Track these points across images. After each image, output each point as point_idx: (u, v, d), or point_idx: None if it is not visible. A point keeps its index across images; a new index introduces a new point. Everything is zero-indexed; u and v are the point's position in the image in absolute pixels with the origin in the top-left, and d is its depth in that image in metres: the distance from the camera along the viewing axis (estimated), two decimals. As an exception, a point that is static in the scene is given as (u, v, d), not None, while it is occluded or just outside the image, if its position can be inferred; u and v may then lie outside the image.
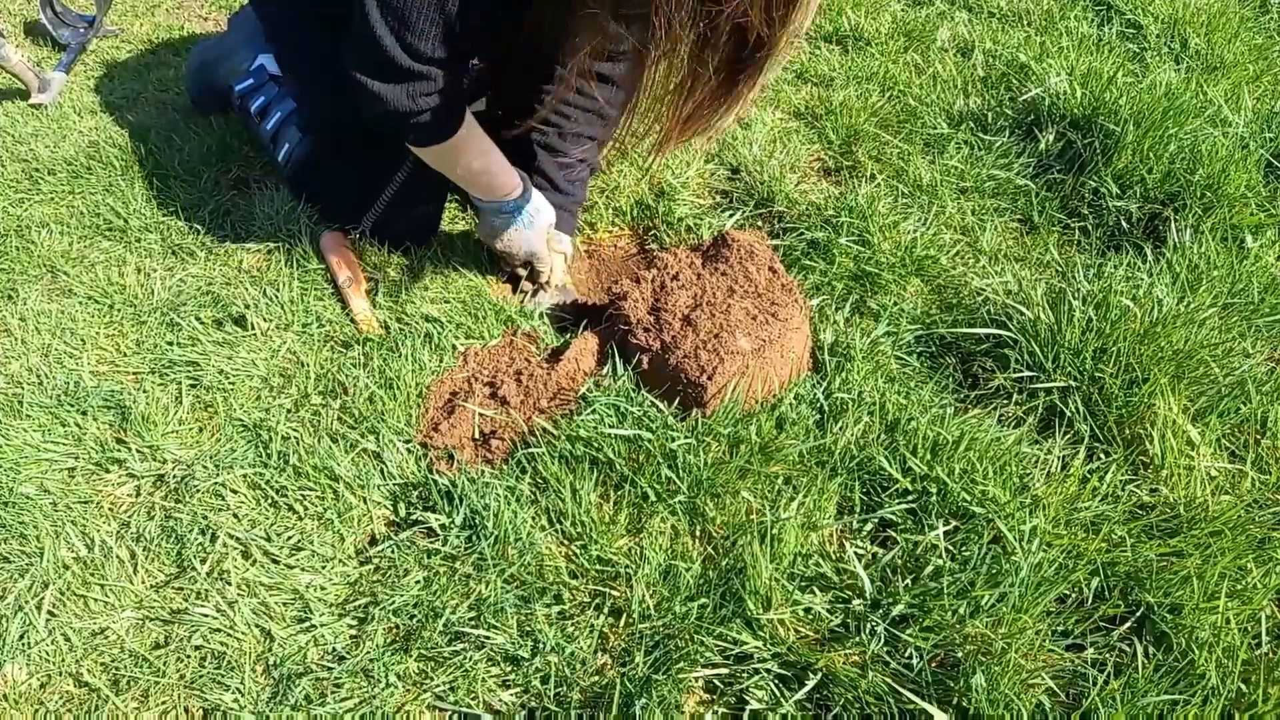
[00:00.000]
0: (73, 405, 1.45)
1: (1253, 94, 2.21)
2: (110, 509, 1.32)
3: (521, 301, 1.71)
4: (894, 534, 1.29)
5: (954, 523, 1.29)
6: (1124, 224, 1.87)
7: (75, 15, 2.49)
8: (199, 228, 1.80)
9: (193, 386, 1.48)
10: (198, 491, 1.32)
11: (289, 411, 1.44)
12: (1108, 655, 1.15)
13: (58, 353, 1.54)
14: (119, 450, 1.38)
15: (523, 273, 1.73)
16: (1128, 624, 1.18)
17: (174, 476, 1.35)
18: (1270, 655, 1.13)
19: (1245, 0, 2.74)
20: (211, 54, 2.10)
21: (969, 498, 1.29)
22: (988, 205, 1.93)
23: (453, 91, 1.37)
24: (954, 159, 2.03)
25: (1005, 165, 2.02)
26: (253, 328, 1.56)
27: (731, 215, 1.89)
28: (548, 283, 1.72)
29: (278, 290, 1.62)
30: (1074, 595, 1.22)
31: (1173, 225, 1.81)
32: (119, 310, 1.62)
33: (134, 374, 1.51)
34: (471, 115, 1.49)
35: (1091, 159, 1.97)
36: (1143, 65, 2.40)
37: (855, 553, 1.25)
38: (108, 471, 1.36)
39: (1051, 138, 2.06)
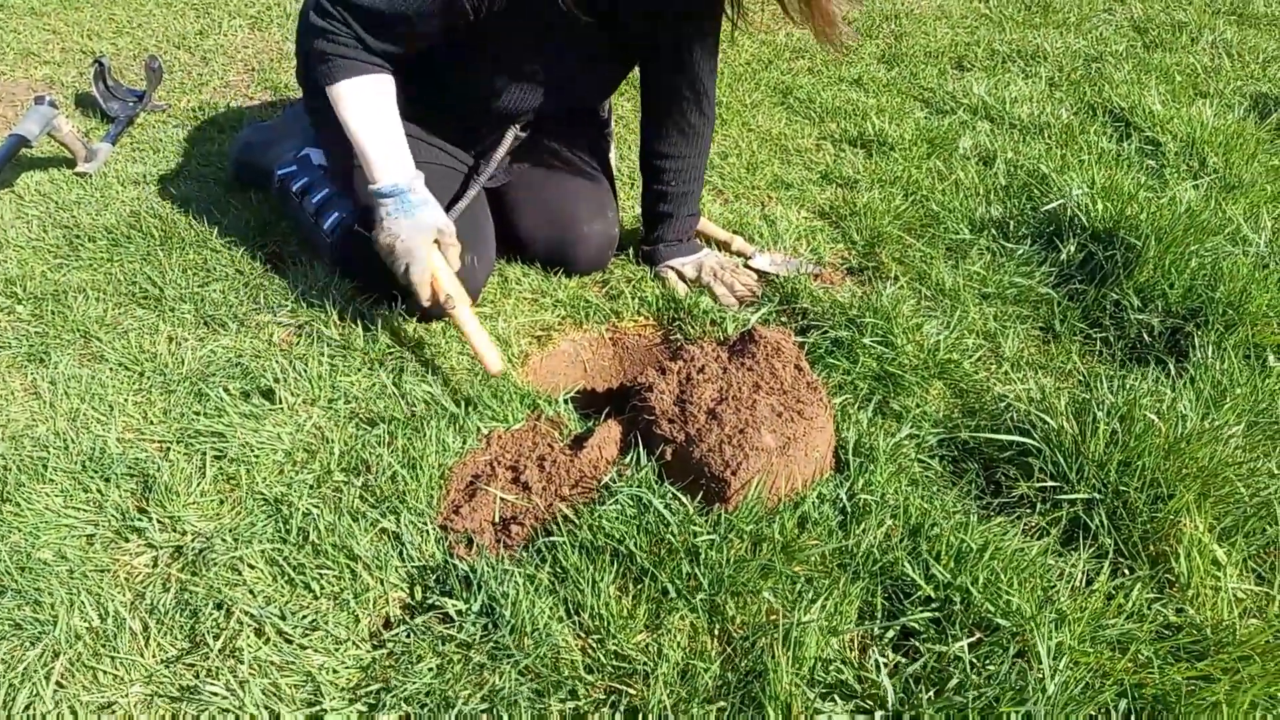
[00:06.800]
0: (96, 471, 1.45)
1: (1271, 215, 2.25)
2: (126, 579, 1.31)
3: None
4: (916, 642, 1.27)
5: (978, 634, 1.27)
6: (1146, 337, 1.88)
7: (126, 90, 2.59)
8: (233, 300, 1.83)
9: (217, 458, 1.48)
10: (215, 565, 1.31)
11: (311, 487, 1.44)
12: (1136, 782, 1.12)
13: (85, 418, 1.55)
14: (139, 519, 1.38)
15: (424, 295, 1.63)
16: (1157, 750, 1.15)
17: (192, 549, 1.34)
18: (1305, 790, 1.10)
19: (1262, 123, 2.81)
20: (261, 136, 2.17)
21: (993, 609, 1.27)
22: (1010, 312, 1.95)
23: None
24: (976, 265, 2.06)
25: (1027, 273, 2.04)
26: (280, 401, 1.58)
27: (756, 311, 1.92)
28: (449, 298, 1.62)
29: (306, 365, 1.64)
30: (1101, 717, 1.19)
31: (1196, 341, 1.82)
32: (149, 378, 1.64)
33: (160, 442, 1.52)
34: (385, 87, 1.62)
35: (1113, 271, 1.99)
36: (1161, 181, 2.45)
37: (879, 661, 1.22)
38: (127, 540, 1.36)
39: (1073, 248, 2.09)
